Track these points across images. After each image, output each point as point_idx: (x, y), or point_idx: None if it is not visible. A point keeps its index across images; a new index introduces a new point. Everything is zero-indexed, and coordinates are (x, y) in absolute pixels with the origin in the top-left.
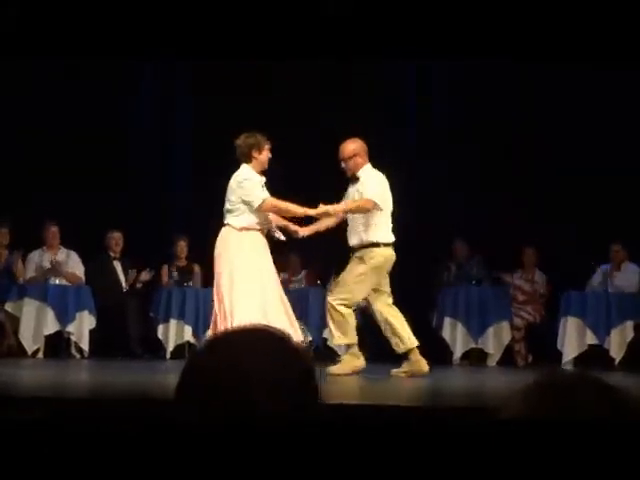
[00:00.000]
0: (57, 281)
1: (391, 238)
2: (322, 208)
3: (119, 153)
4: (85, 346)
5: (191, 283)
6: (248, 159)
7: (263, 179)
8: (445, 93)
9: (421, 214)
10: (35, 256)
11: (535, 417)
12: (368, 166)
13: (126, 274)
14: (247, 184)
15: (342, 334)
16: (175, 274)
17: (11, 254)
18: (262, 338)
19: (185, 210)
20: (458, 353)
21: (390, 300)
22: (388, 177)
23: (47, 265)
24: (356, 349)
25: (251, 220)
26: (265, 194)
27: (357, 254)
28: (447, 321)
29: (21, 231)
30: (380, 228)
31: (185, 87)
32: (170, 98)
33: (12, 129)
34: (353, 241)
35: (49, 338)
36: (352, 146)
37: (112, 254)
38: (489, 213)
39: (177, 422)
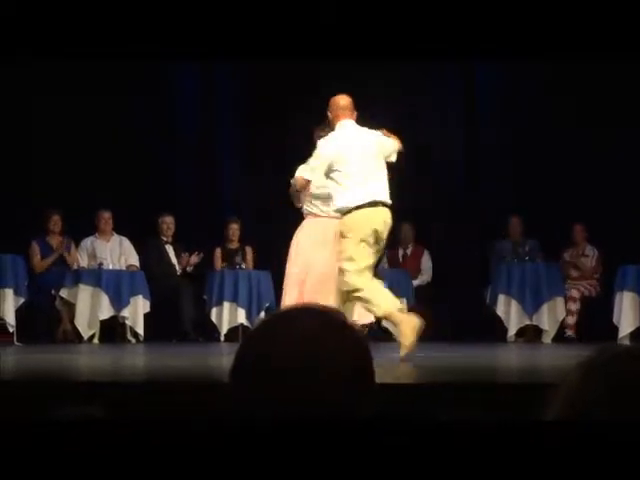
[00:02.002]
0: (111, 266)
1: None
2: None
3: (167, 138)
4: (140, 330)
5: (243, 265)
6: None
7: None
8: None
9: (477, 191)
10: (87, 243)
11: (594, 393)
12: (342, 123)
13: (179, 258)
14: None
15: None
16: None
17: (64, 241)
18: (316, 318)
19: (236, 193)
20: (512, 330)
21: None
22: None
23: (101, 255)
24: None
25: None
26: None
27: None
28: (501, 298)
29: (74, 218)
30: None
31: (227, 75)
32: (213, 83)
33: (62, 119)
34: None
35: (104, 323)
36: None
37: (164, 238)
38: (544, 190)
39: (233, 405)
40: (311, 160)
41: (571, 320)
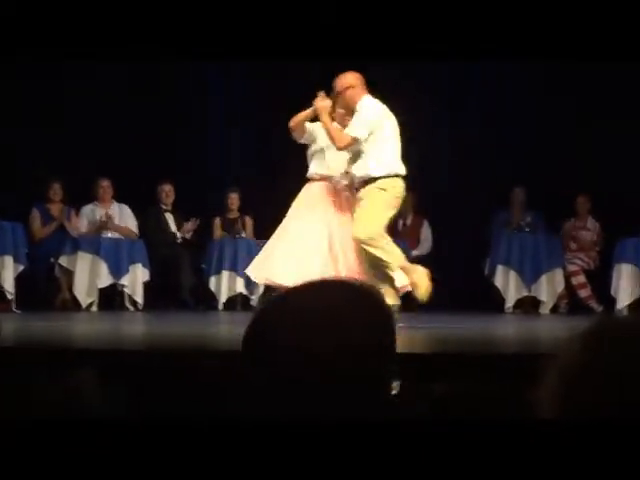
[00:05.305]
0: (110, 234)
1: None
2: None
3: (167, 106)
4: (139, 299)
5: (243, 235)
6: None
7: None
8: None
9: (477, 162)
10: (88, 210)
11: (592, 363)
12: (366, 97)
13: (179, 226)
14: None
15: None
16: (232, 228)
17: (64, 209)
18: (342, 289)
19: (235, 161)
20: (511, 301)
21: None
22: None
23: (99, 220)
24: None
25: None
26: None
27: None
28: (500, 269)
29: (74, 186)
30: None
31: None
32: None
33: (61, 87)
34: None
35: (103, 291)
36: (345, 78)
37: (163, 206)
38: (545, 161)
39: (243, 375)
40: None
41: (585, 292)
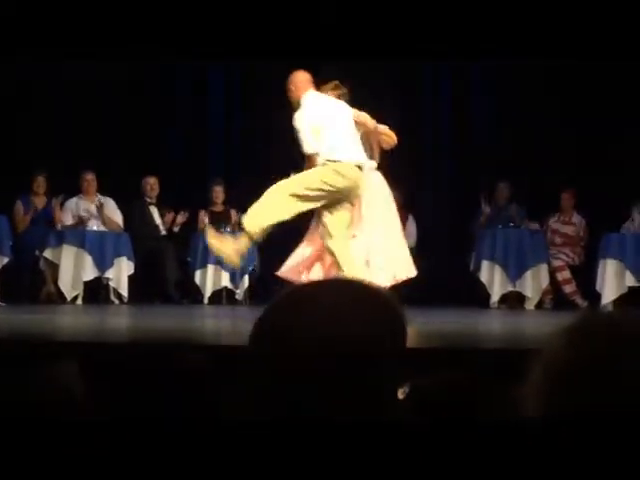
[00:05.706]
0: (95, 227)
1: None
2: None
3: (151, 99)
4: (124, 292)
5: (228, 229)
6: None
7: None
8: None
9: (461, 157)
10: (72, 204)
11: (576, 358)
12: (306, 96)
13: (163, 219)
14: None
15: None
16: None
17: (49, 201)
18: (349, 290)
19: (221, 154)
20: (496, 296)
21: None
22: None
23: (92, 211)
24: None
25: None
26: None
27: None
28: (485, 264)
29: (58, 179)
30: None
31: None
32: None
33: (47, 81)
34: None
35: (88, 284)
36: (289, 80)
37: (148, 199)
38: (530, 156)
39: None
40: None
41: (570, 288)
